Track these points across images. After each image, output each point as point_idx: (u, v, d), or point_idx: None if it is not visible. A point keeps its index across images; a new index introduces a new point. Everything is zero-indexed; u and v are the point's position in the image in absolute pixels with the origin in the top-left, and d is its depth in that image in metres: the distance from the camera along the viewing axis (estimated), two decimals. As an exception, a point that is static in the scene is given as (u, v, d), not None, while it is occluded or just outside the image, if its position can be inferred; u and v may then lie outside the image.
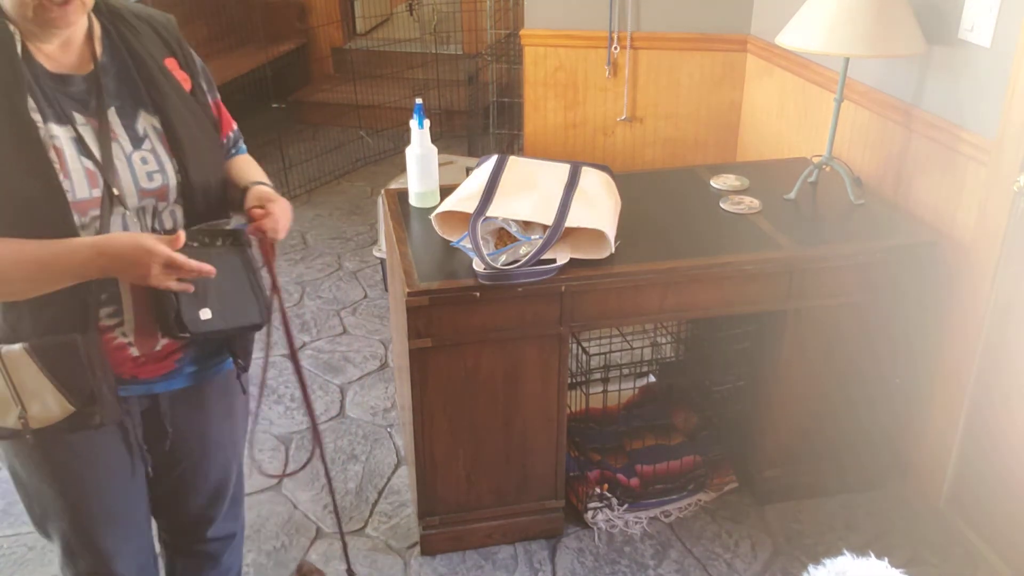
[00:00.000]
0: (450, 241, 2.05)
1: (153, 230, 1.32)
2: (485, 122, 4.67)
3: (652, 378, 2.80)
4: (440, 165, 2.32)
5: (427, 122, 2.23)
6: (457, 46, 5.67)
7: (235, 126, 1.54)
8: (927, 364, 2.31)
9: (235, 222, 1.42)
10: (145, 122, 1.31)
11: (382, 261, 3.58)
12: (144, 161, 1.30)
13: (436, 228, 2.07)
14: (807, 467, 2.37)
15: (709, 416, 2.58)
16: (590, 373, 2.45)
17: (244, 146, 1.57)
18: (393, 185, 3.30)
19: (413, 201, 2.29)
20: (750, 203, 2.31)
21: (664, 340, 2.79)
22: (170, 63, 1.37)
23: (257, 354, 1.61)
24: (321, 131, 5.39)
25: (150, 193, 1.30)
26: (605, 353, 2.46)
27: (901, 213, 2.33)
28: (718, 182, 2.44)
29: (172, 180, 1.32)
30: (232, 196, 1.47)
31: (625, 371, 2.65)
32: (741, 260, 2.04)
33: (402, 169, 2.35)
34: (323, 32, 5.76)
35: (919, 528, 2.31)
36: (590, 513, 2.32)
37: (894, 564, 2.18)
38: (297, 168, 4.70)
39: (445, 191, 2.24)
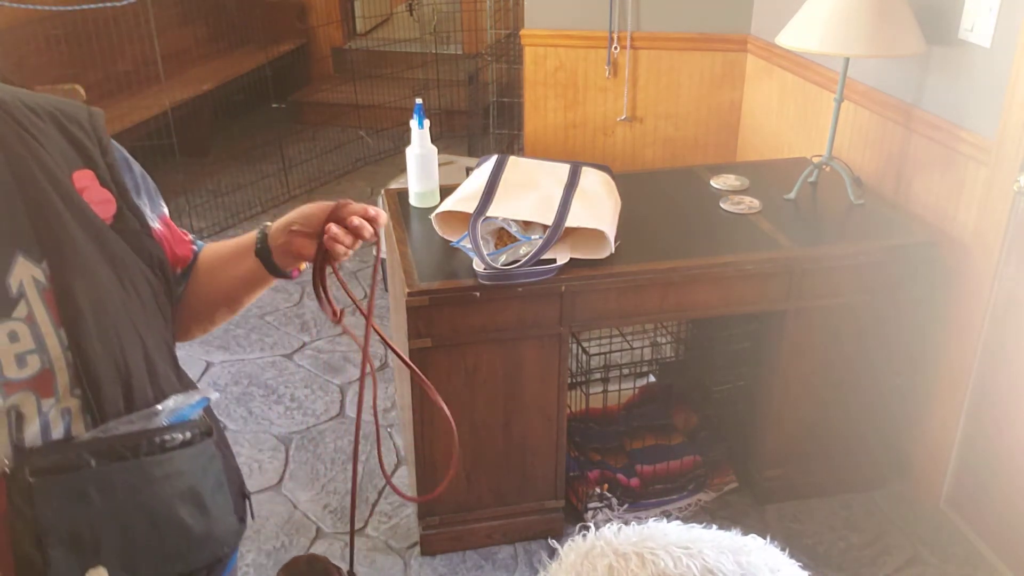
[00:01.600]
0: (450, 241, 2.05)
1: (22, 448, 0.85)
2: (485, 122, 4.67)
3: (652, 378, 2.80)
4: (440, 165, 2.32)
5: (427, 122, 2.23)
6: (457, 46, 5.67)
7: (195, 244, 1.13)
8: (927, 364, 2.31)
9: (189, 400, 0.96)
10: (23, 273, 0.86)
11: (382, 261, 3.58)
12: (13, 337, 0.85)
13: (436, 228, 2.07)
14: (807, 467, 2.37)
15: (709, 416, 2.58)
16: (590, 373, 2.45)
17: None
18: (393, 185, 3.30)
19: (413, 201, 2.29)
20: (750, 203, 2.31)
21: (664, 340, 2.79)
22: (82, 178, 0.93)
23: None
24: (321, 131, 5.39)
25: (22, 385, 0.85)
26: (605, 353, 2.46)
27: (901, 213, 2.32)
28: (718, 182, 2.44)
29: (58, 362, 0.87)
30: (240, 271, 1.09)
31: (625, 371, 2.65)
32: (741, 260, 2.04)
33: (402, 169, 2.35)
34: (323, 32, 5.76)
35: (919, 528, 2.30)
36: (590, 513, 2.32)
37: (894, 563, 2.20)
38: (297, 168, 4.70)
39: (445, 191, 2.24)
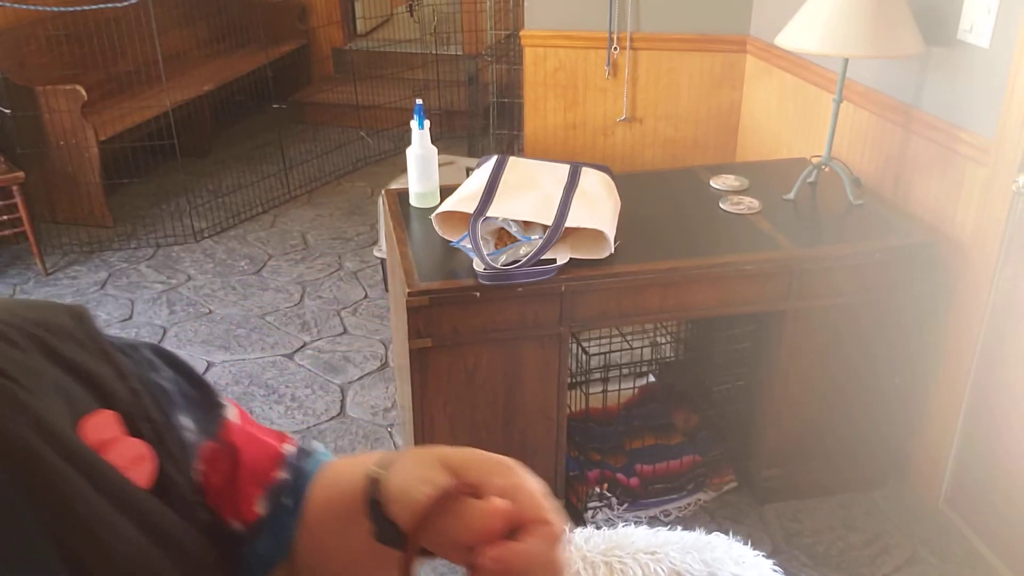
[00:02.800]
0: (450, 241, 2.06)
1: None
2: (485, 123, 4.67)
3: (652, 378, 2.80)
4: (440, 165, 2.33)
5: (427, 122, 2.24)
6: (457, 47, 5.68)
7: (286, 448, 0.69)
8: (926, 364, 2.32)
9: None
10: None
11: (382, 261, 3.59)
12: None
13: (436, 228, 2.07)
14: (806, 467, 2.38)
15: (709, 416, 2.59)
16: (590, 373, 2.46)
17: (324, 452, 0.71)
18: (393, 185, 3.31)
19: (413, 201, 2.30)
20: (749, 203, 2.31)
21: (664, 340, 2.79)
22: (101, 426, 0.58)
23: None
24: (322, 131, 5.40)
25: None
26: (605, 353, 2.46)
27: (900, 213, 2.33)
28: (718, 182, 2.45)
29: None
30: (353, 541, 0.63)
31: (625, 371, 2.66)
32: (740, 260, 2.05)
33: (402, 169, 2.36)
34: (324, 33, 5.77)
35: (918, 527, 2.31)
36: (590, 512, 2.32)
37: (893, 563, 2.20)
38: (298, 168, 4.71)
39: (445, 191, 2.25)
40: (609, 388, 2.53)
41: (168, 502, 0.59)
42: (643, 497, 2.37)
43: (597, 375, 2.53)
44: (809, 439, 2.34)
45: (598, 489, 2.36)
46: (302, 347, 3.20)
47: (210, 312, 3.44)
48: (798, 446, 2.34)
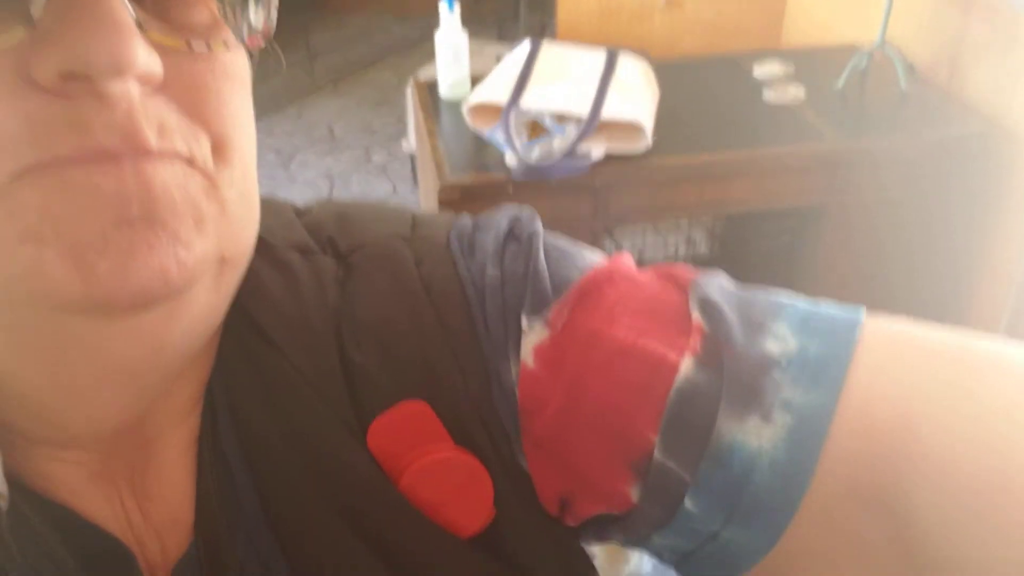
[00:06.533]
0: (481, 133, 2.00)
1: None
2: (516, 7, 4.50)
3: (685, 274, 2.77)
4: (470, 53, 2.24)
5: (457, 6, 2.14)
6: (486, -75, 5.41)
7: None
8: (971, 265, 2.25)
9: None
10: None
11: (412, 156, 3.53)
12: None
13: (467, 120, 2.01)
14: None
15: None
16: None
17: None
18: (422, 75, 3.21)
19: (443, 92, 2.23)
20: (795, 93, 2.21)
21: (699, 236, 2.74)
22: (405, 431, 0.36)
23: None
24: (347, 18, 5.23)
25: None
26: (639, 249, 2.43)
27: (954, 102, 2.22)
28: (761, 71, 2.33)
29: None
30: None
31: (658, 267, 2.63)
32: (782, 153, 1.97)
33: (430, 58, 2.27)
34: (346, -89, 5.52)
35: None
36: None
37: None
38: (322, 57, 4.59)
39: (475, 80, 2.17)
40: (642, 284, 2.51)
41: (502, 548, 0.38)
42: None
43: (630, 271, 2.51)
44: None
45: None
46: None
47: (239, 206, 3.43)
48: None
